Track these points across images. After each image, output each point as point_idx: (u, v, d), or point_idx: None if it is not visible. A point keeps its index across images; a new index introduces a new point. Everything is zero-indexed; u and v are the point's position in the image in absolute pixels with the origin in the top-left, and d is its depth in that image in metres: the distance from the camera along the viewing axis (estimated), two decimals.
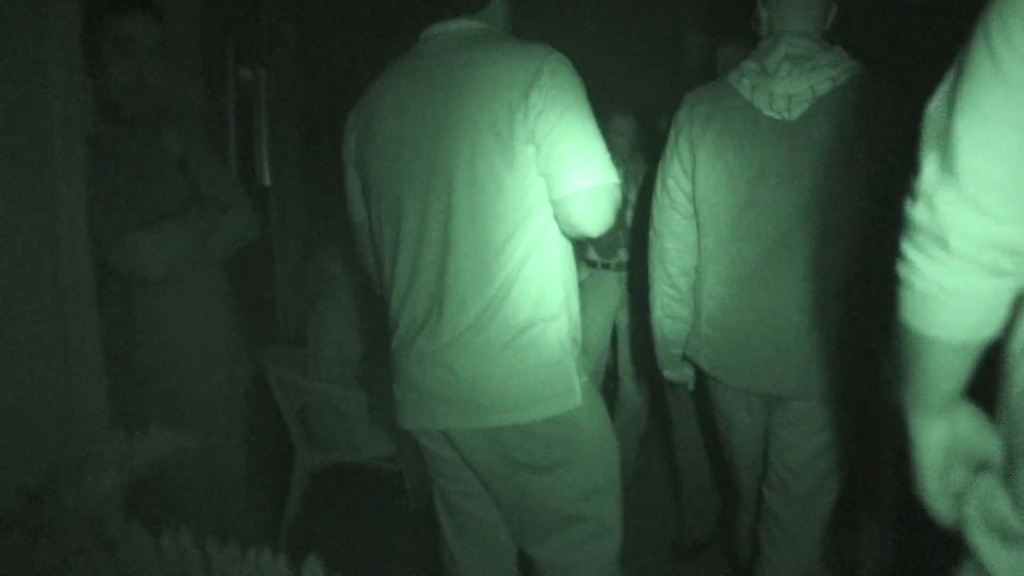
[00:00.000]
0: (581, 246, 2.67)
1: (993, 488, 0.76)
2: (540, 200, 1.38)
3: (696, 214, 1.80)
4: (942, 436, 0.84)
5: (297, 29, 3.81)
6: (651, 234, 1.93)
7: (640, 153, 3.00)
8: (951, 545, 0.80)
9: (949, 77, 0.72)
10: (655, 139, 2.45)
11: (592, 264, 3.10)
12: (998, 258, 0.70)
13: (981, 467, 0.82)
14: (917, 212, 0.73)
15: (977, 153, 0.68)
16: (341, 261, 2.98)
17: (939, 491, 0.84)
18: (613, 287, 3.12)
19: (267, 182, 3.75)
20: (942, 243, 0.72)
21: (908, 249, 0.75)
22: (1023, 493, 0.71)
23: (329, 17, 3.89)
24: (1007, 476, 0.75)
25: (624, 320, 3.18)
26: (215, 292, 1.85)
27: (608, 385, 3.35)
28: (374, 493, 2.87)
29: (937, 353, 0.79)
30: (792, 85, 1.64)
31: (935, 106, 0.73)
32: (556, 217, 1.39)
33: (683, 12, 3.43)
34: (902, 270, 0.77)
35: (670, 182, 1.83)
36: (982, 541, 0.75)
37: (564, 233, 1.42)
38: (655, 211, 1.90)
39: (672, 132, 1.84)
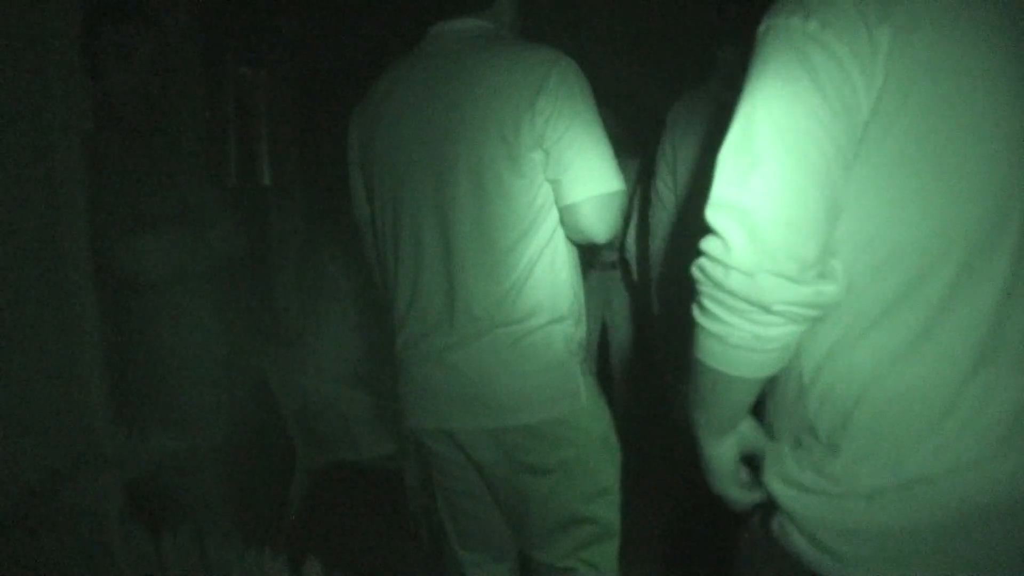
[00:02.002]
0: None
1: (783, 458, 0.95)
2: (548, 204, 1.38)
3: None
4: (732, 446, 1.02)
5: (296, 27, 3.82)
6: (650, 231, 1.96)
7: (629, 151, 3.00)
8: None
9: (730, 153, 0.85)
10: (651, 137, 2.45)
11: None
12: (807, 311, 0.84)
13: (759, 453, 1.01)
14: (734, 282, 0.84)
15: (791, 235, 0.81)
16: (341, 261, 2.98)
17: (732, 486, 1.04)
18: (597, 287, 3.13)
19: (267, 182, 3.76)
20: (763, 308, 0.84)
21: (719, 310, 0.87)
22: (817, 461, 0.91)
23: (329, 15, 3.89)
24: (796, 449, 0.95)
25: (613, 320, 3.18)
26: (208, 296, 1.86)
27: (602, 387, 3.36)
28: (374, 493, 2.87)
29: (742, 387, 0.94)
30: None
31: (723, 187, 0.85)
32: (563, 223, 1.39)
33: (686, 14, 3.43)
34: (713, 327, 0.88)
35: (659, 182, 1.87)
36: (781, 491, 0.94)
37: (570, 239, 1.42)
38: (649, 209, 1.94)
39: (663, 133, 1.88)
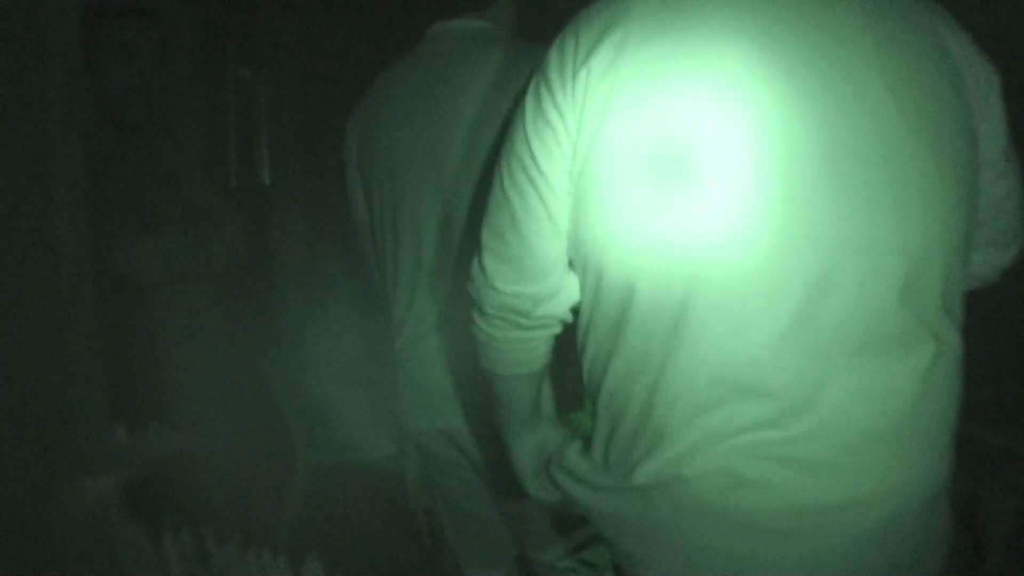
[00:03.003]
0: None
1: (573, 455, 1.02)
2: None
3: None
4: (532, 444, 1.12)
5: (297, 28, 3.81)
6: None
7: None
8: None
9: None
10: None
11: None
12: (516, 318, 0.97)
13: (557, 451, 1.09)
14: (470, 288, 1.00)
15: (492, 260, 0.95)
16: (341, 261, 2.98)
17: (534, 481, 1.14)
18: None
19: (267, 182, 3.75)
20: (480, 310, 1.00)
21: (472, 312, 1.03)
22: (598, 456, 0.96)
23: (329, 15, 3.89)
24: (586, 445, 1.01)
25: None
26: (209, 297, 1.85)
27: None
28: (374, 493, 2.87)
29: (503, 384, 1.07)
30: None
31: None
32: None
33: None
34: (470, 326, 1.04)
35: None
36: (571, 488, 1.00)
37: None
38: None
39: None
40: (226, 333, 1.91)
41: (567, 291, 0.95)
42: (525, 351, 1.02)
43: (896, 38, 0.81)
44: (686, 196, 0.81)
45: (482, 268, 0.96)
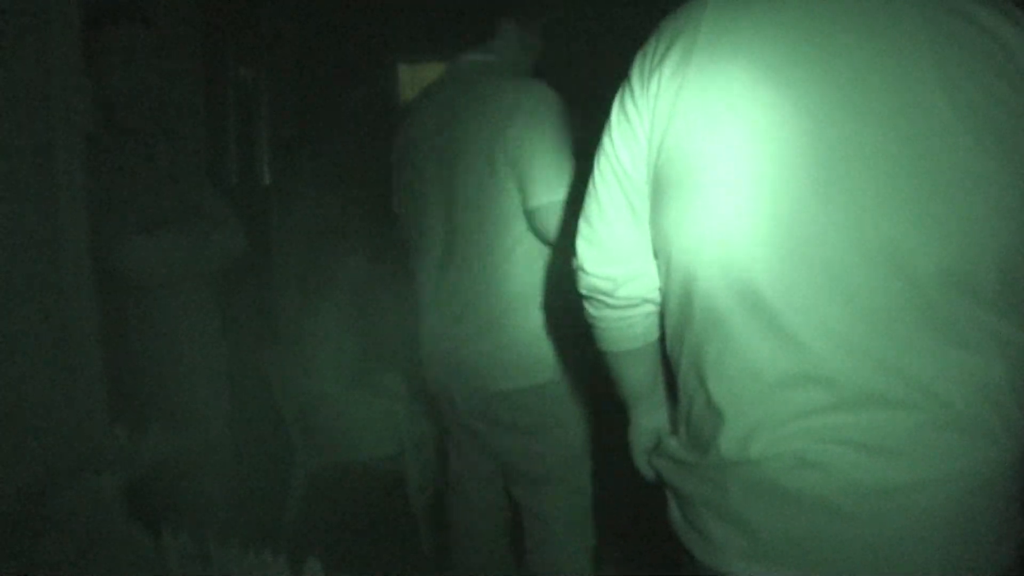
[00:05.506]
0: None
1: (667, 439, 1.08)
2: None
3: None
4: (647, 426, 1.19)
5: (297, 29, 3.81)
6: None
7: None
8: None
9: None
10: None
11: None
12: (603, 297, 1.06)
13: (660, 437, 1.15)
14: (573, 274, 1.09)
15: (583, 244, 1.04)
16: (341, 261, 2.98)
17: (638, 455, 1.21)
18: None
19: (267, 182, 3.76)
20: (579, 292, 1.09)
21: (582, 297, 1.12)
22: (683, 435, 1.02)
23: (329, 16, 3.89)
24: (674, 430, 1.08)
25: None
26: (208, 297, 1.86)
27: None
28: (374, 493, 2.87)
29: (611, 360, 1.16)
30: None
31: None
32: (530, 228, 1.59)
33: None
34: (584, 313, 1.13)
35: None
36: (662, 466, 1.06)
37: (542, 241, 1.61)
38: None
39: None
40: (226, 333, 1.91)
41: (649, 275, 1.02)
42: (621, 329, 1.10)
43: (953, 37, 0.82)
44: (737, 192, 0.87)
45: (575, 252, 1.06)
